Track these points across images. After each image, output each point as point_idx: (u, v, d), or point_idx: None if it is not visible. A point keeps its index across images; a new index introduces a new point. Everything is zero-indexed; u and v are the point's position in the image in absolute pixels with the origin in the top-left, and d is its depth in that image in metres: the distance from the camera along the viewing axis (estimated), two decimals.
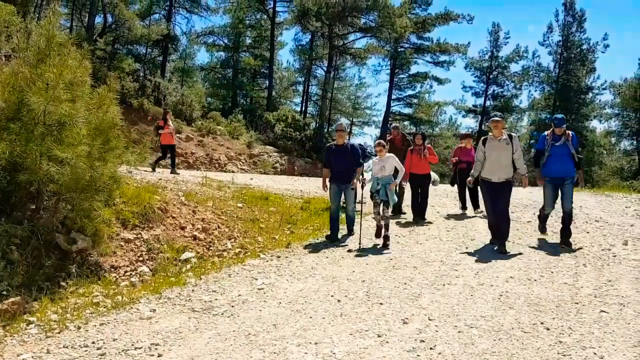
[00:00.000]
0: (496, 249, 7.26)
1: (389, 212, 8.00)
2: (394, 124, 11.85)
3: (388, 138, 10.76)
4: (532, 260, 6.74)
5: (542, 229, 8.26)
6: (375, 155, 8.40)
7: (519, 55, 37.89)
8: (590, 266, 6.37)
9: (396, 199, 8.40)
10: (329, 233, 8.25)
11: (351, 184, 8.21)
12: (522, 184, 8.05)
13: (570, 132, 7.59)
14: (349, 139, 9.12)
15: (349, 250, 7.49)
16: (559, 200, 7.75)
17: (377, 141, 8.42)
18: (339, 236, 8.30)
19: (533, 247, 7.51)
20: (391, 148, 9.79)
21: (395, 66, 38.95)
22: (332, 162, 8.38)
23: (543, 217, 8.20)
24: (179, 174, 12.76)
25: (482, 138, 7.74)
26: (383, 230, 7.88)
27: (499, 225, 7.41)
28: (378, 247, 7.72)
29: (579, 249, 7.26)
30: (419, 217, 9.77)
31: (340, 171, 8.25)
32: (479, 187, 8.40)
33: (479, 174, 7.66)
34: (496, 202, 7.41)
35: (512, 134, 7.62)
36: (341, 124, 8.34)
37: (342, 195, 8.50)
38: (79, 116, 5.86)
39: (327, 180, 8.42)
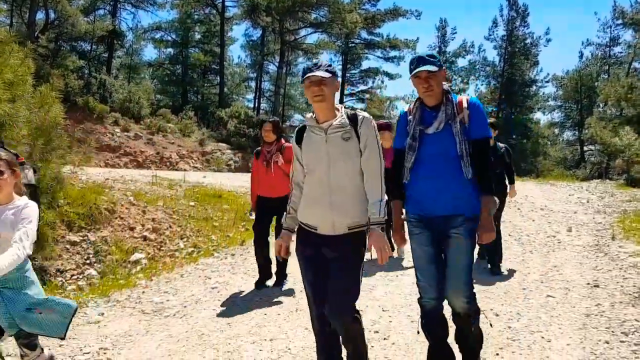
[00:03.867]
0: None
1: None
2: None
3: None
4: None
5: None
6: None
7: (465, 50, 39.03)
8: (537, 252, 6.62)
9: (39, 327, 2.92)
10: None
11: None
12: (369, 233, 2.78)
13: (464, 99, 2.95)
14: None
15: None
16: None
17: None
18: None
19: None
20: None
21: (347, 62, 39.30)
22: None
23: (433, 338, 3.32)
24: None
25: (297, 128, 3.12)
26: None
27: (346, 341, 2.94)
28: None
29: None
30: (263, 278, 5.64)
31: None
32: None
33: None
34: (330, 285, 2.84)
35: (362, 113, 3.10)
36: None
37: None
38: (20, 116, 5.66)
39: None
